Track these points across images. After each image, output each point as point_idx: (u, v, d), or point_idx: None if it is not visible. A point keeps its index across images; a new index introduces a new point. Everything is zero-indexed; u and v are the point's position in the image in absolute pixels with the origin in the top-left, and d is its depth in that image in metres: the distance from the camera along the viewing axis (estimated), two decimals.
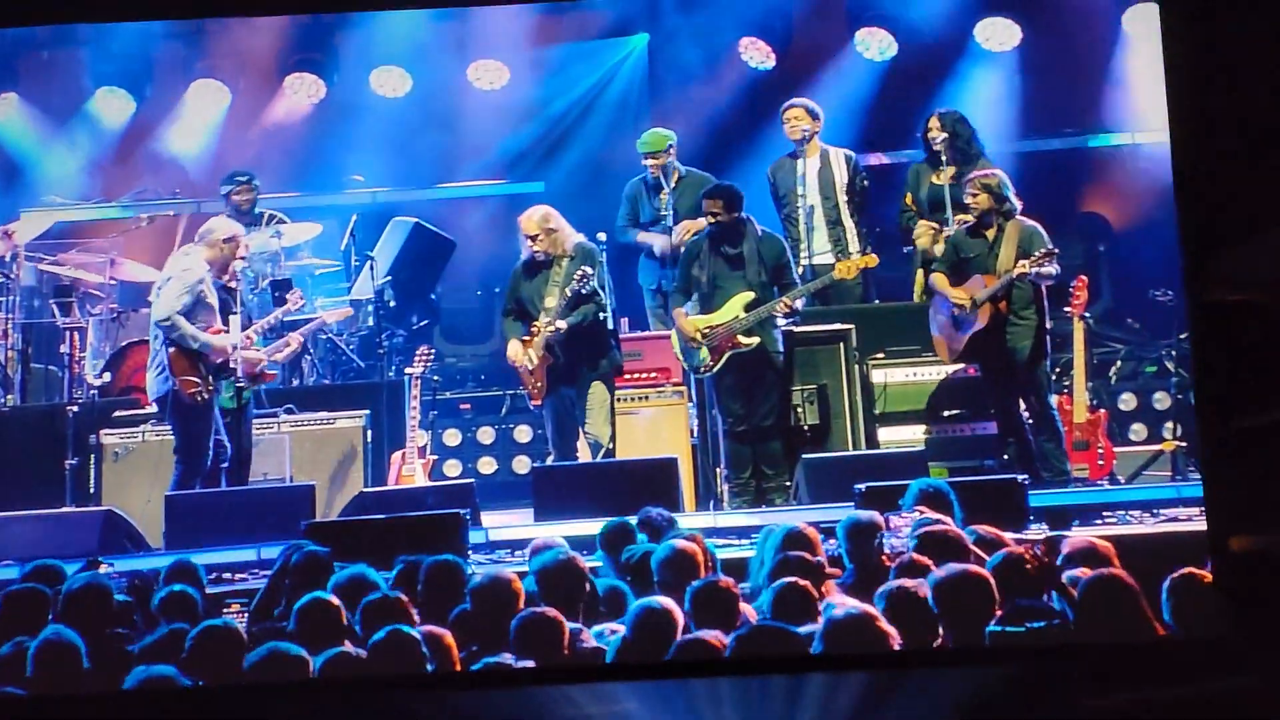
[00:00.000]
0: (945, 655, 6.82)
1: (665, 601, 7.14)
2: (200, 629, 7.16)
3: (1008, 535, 8.14)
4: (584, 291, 11.52)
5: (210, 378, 11.19)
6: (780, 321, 11.72)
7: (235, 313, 11.26)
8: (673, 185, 12.64)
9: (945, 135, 12.67)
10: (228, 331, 11.21)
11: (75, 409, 12.37)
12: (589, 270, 11.47)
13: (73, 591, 7.83)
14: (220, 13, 13.04)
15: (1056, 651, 6.73)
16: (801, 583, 7.31)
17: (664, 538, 8.29)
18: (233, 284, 11.40)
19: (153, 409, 12.27)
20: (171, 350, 11.15)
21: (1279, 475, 6.54)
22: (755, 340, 11.51)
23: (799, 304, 11.71)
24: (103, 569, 9.07)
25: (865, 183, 12.93)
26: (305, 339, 12.21)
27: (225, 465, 11.33)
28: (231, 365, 11.18)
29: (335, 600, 7.42)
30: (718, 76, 15.08)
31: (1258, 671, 6.38)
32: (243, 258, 11.53)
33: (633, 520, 8.81)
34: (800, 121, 12.81)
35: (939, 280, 11.77)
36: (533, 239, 11.69)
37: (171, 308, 11.13)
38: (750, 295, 11.53)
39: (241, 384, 11.24)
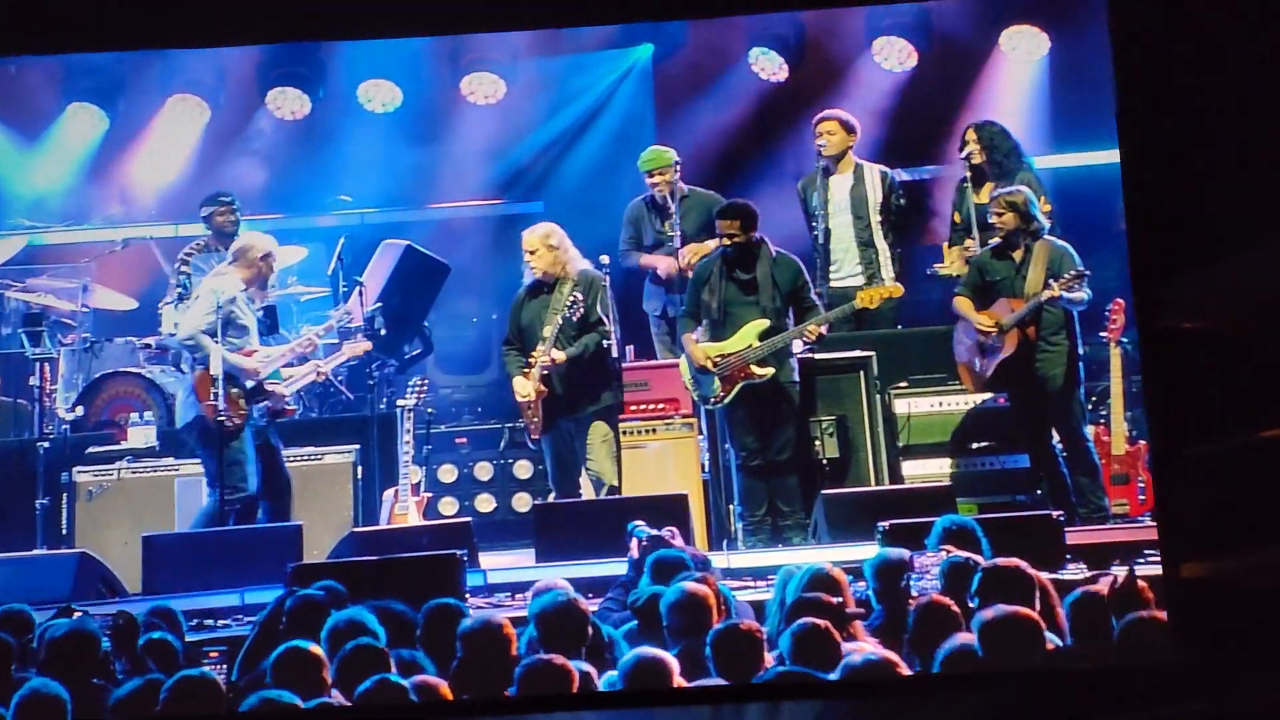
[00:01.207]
0: (893, 685, 7.02)
1: (657, 652, 7.18)
2: (175, 680, 7.14)
3: (1044, 575, 8.13)
4: (575, 319, 11.52)
5: (241, 401, 11.27)
6: (796, 348, 11.67)
7: (241, 332, 11.39)
8: (677, 205, 12.62)
9: (980, 148, 12.67)
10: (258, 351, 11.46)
11: (46, 445, 12.37)
12: (579, 297, 11.47)
13: (56, 639, 7.81)
14: (193, 44, 12.98)
15: (1010, 680, 7.02)
16: (822, 624, 7.32)
17: (674, 579, 8.27)
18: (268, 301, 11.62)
19: (127, 445, 12.29)
20: (198, 372, 11.25)
21: (1231, 503, 6.87)
22: (769, 371, 11.48)
23: (825, 329, 11.63)
24: (75, 616, 8.94)
25: (901, 201, 12.92)
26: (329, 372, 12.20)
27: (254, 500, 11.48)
28: (268, 388, 11.38)
29: (315, 650, 7.40)
30: (726, 89, 15.11)
31: (1209, 698, 6.70)
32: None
33: (685, 554, 8.85)
34: (833, 135, 12.80)
35: (963, 304, 11.74)
36: (531, 253, 11.68)
37: (195, 326, 11.30)
38: (765, 323, 11.51)
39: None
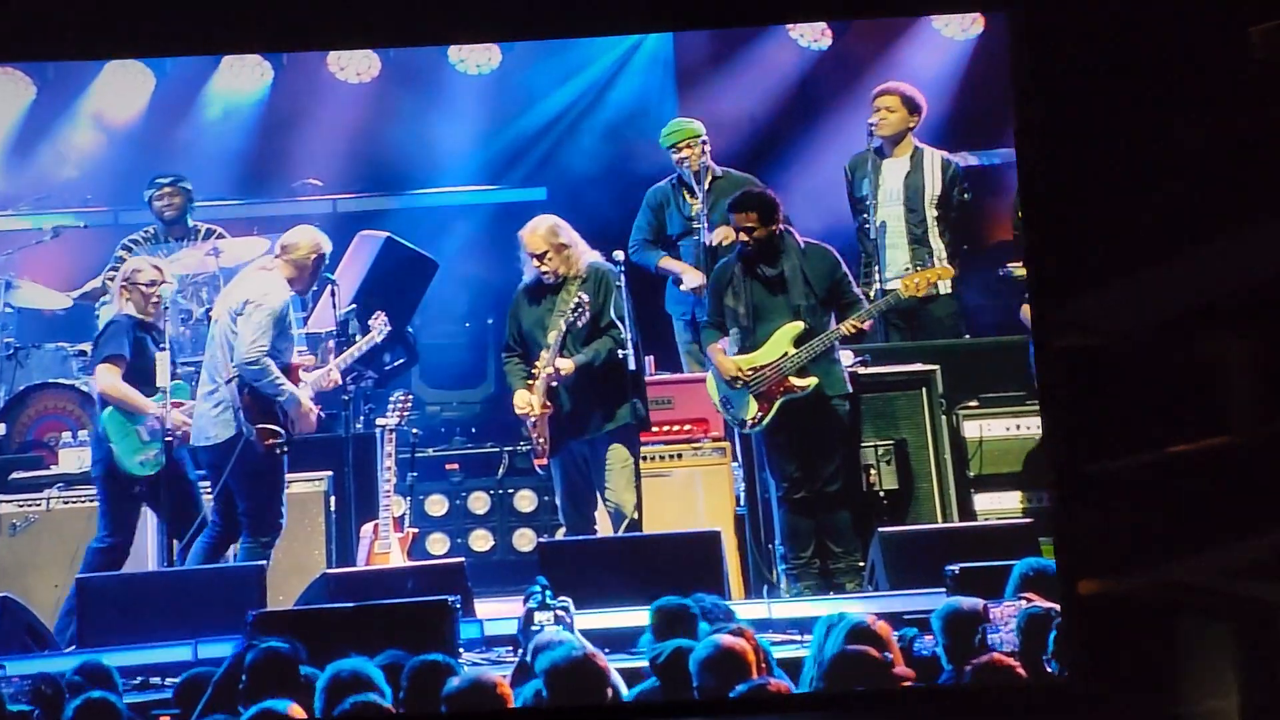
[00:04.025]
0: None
1: None
2: None
3: None
4: (580, 325, 11.44)
5: (292, 426, 11.35)
6: (846, 359, 11.60)
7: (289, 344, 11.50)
8: (706, 188, 12.63)
9: None
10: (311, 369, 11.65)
11: None
12: (585, 298, 11.42)
13: None
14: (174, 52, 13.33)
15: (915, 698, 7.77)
16: None
17: (701, 631, 8.35)
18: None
19: (59, 470, 12.20)
20: (247, 393, 11.27)
21: (1127, 520, 7.63)
22: (812, 381, 11.40)
23: (868, 325, 11.58)
24: None
25: (966, 196, 12.96)
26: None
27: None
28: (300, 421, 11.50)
29: (295, 711, 7.43)
30: (759, 57, 15.07)
31: (1107, 716, 7.51)
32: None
33: (692, 603, 8.82)
34: (893, 113, 12.86)
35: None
36: (539, 258, 11.59)
37: (259, 348, 11.30)
38: (799, 326, 11.44)
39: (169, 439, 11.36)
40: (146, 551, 11.85)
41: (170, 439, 11.36)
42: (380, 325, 12.12)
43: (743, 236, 11.53)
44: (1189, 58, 7.91)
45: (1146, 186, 7.84)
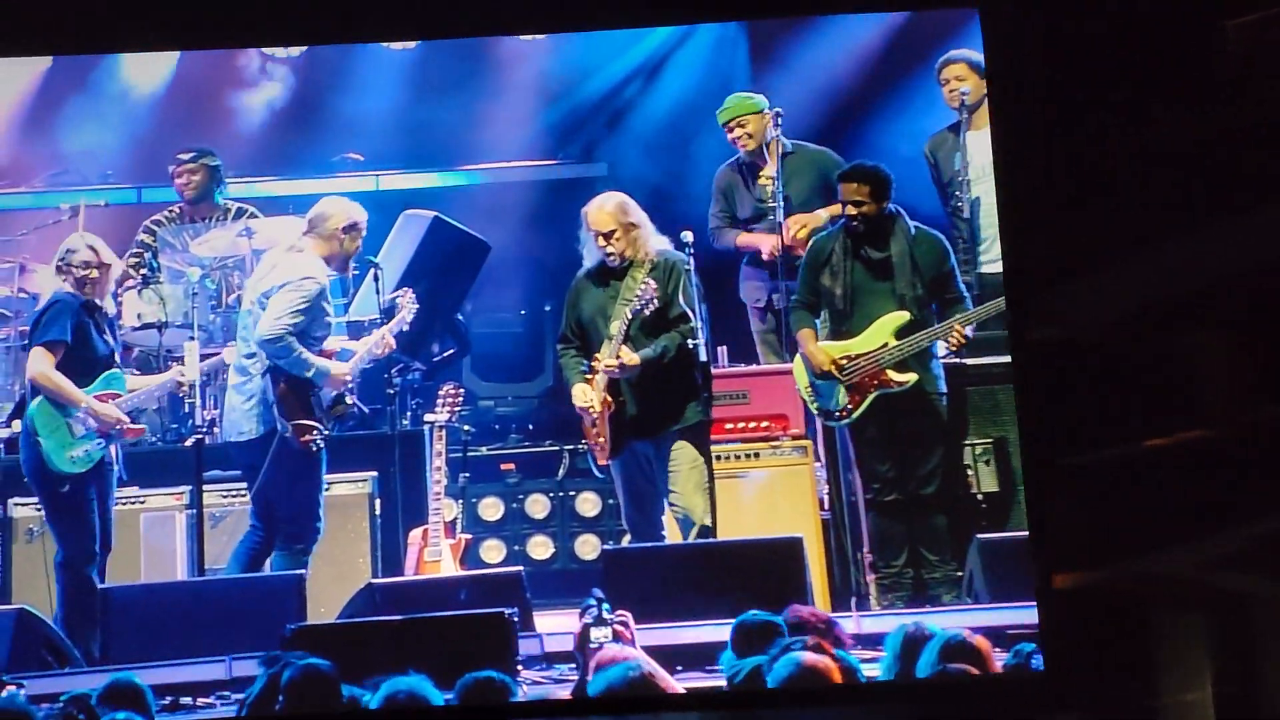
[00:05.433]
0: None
1: None
2: None
3: None
4: (647, 313, 11.35)
5: (325, 419, 11.36)
6: (941, 351, 11.55)
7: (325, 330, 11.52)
8: (777, 166, 12.55)
9: None
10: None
11: None
12: (652, 284, 11.34)
13: None
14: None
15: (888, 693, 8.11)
16: None
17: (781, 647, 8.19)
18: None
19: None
20: (282, 384, 11.22)
21: (1102, 513, 8.06)
22: (911, 377, 11.38)
23: (970, 330, 11.50)
24: (8, 690, 9.16)
25: None
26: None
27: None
28: (348, 401, 11.47)
29: None
30: (840, 21, 14.85)
31: (1082, 709, 7.89)
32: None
33: (779, 618, 8.78)
34: (963, 83, 12.79)
35: None
36: (607, 237, 11.49)
37: (284, 325, 11.31)
38: (904, 316, 11.41)
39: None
40: (175, 558, 11.93)
41: (105, 435, 11.28)
42: (408, 303, 12.04)
43: (850, 210, 11.51)
44: (1165, 52, 8.26)
45: (1124, 179, 8.19)
